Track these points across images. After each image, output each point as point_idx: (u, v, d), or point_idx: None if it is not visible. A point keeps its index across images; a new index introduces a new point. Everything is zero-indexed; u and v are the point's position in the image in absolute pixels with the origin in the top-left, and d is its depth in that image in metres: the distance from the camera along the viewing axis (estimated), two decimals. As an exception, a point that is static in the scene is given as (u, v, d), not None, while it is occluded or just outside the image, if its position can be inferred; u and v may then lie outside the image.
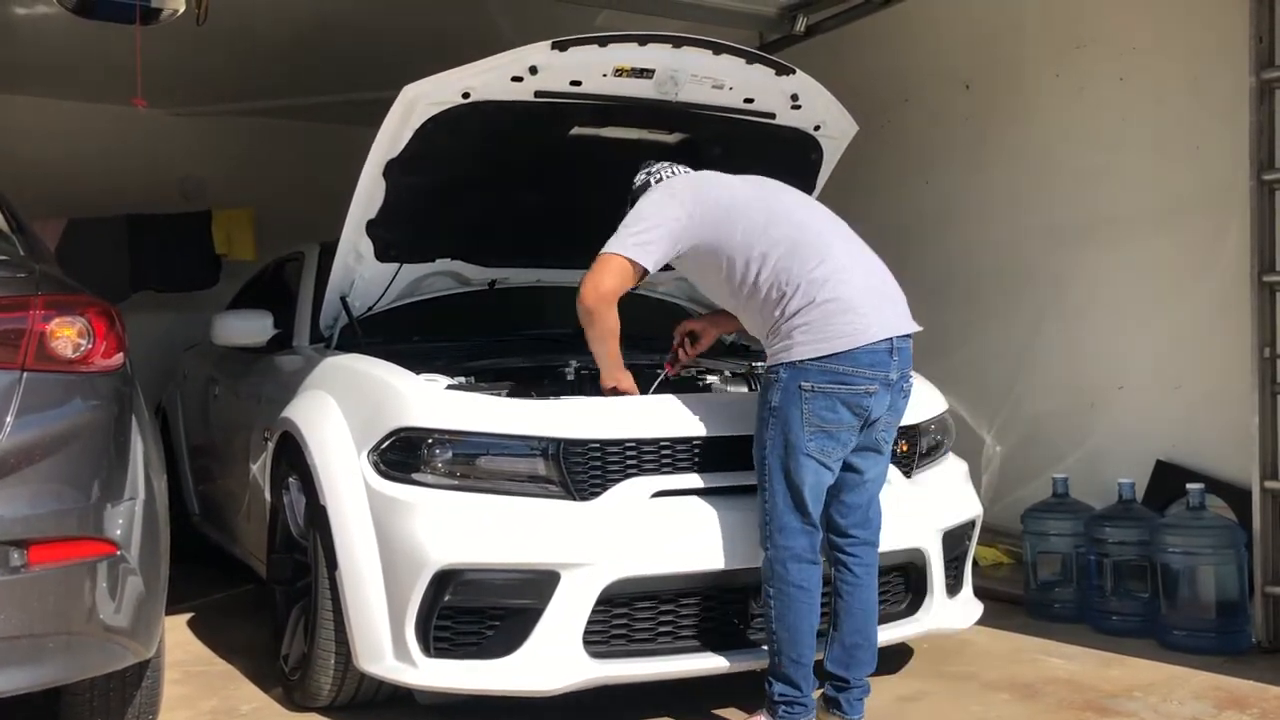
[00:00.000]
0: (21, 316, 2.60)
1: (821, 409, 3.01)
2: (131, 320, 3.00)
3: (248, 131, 7.83)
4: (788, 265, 3.09)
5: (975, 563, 4.12)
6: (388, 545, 3.14)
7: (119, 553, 2.63)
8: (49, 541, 2.53)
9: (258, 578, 4.44)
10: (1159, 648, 4.05)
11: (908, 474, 3.63)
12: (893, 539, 3.31)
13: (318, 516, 3.35)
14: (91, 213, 7.08)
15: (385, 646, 3.12)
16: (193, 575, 4.84)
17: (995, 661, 3.94)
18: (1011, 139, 5.39)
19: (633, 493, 3.19)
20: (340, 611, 3.24)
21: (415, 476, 3.17)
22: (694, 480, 3.28)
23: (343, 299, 4.07)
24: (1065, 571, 4.53)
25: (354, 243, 3.86)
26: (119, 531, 2.65)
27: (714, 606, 3.26)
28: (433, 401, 3.25)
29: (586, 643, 3.08)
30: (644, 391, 3.43)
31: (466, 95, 3.49)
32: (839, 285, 3.05)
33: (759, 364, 3.95)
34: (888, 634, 3.38)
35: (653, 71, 3.56)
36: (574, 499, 3.16)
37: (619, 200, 3.60)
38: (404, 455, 3.20)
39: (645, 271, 3.20)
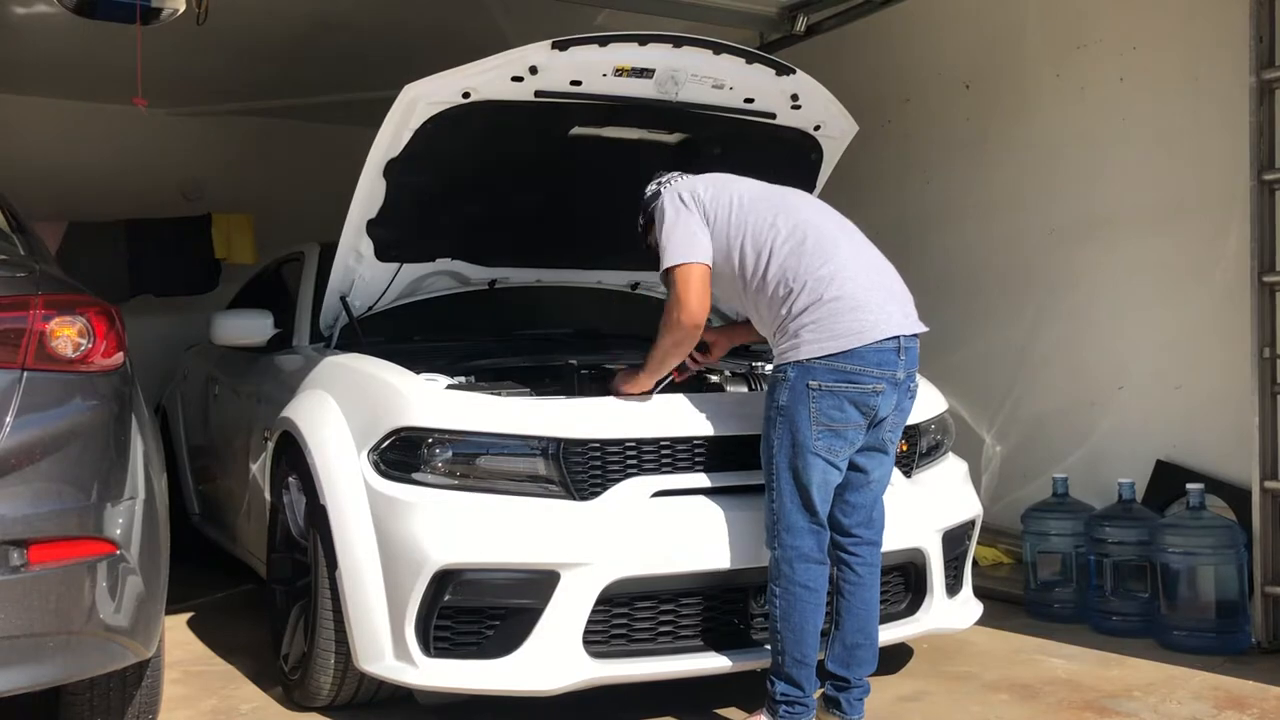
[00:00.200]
0: (21, 316, 2.60)
1: (829, 408, 3.01)
2: (132, 320, 3.00)
3: (248, 131, 7.84)
4: (795, 263, 3.10)
5: (975, 563, 4.12)
6: (388, 545, 3.14)
7: (119, 552, 2.63)
8: (49, 541, 2.53)
9: (258, 577, 4.44)
10: (1159, 648, 4.06)
11: (908, 474, 3.64)
12: (892, 539, 3.31)
13: (318, 516, 3.35)
14: (91, 212, 7.08)
15: (385, 646, 3.13)
16: (193, 575, 4.85)
17: (995, 661, 3.94)
18: (1012, 139, 5.39)
19: (633, 492, 3.19)
20: (340, 611, 3.24)
21: (415, 476, 3.17)
22: (694, 480, 3.28)
23: (343, 299, 4.07)
24: (1065, 571, 4.54)
25: (354, 242, 3.86)
26: (119, 531, 2.65)
27: (714, 606, 3.26)
28: (433, 401, 3.25)
29: (586, 643, 3.08)
30: (651, 393, 3.43)
31: (467, 95, 3.49)
32: (845, 283, 3.06)
33: (759, 364, 3.95)
34: (888, 634, 3.38)
35: (653, 71, 3.56)
36: (574, 499, 3.16)
37: (619, 200, 3.61)
38: (404, 455, 3.20)
39: (709, 267, 3.20)
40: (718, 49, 3.58)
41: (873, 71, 5.92)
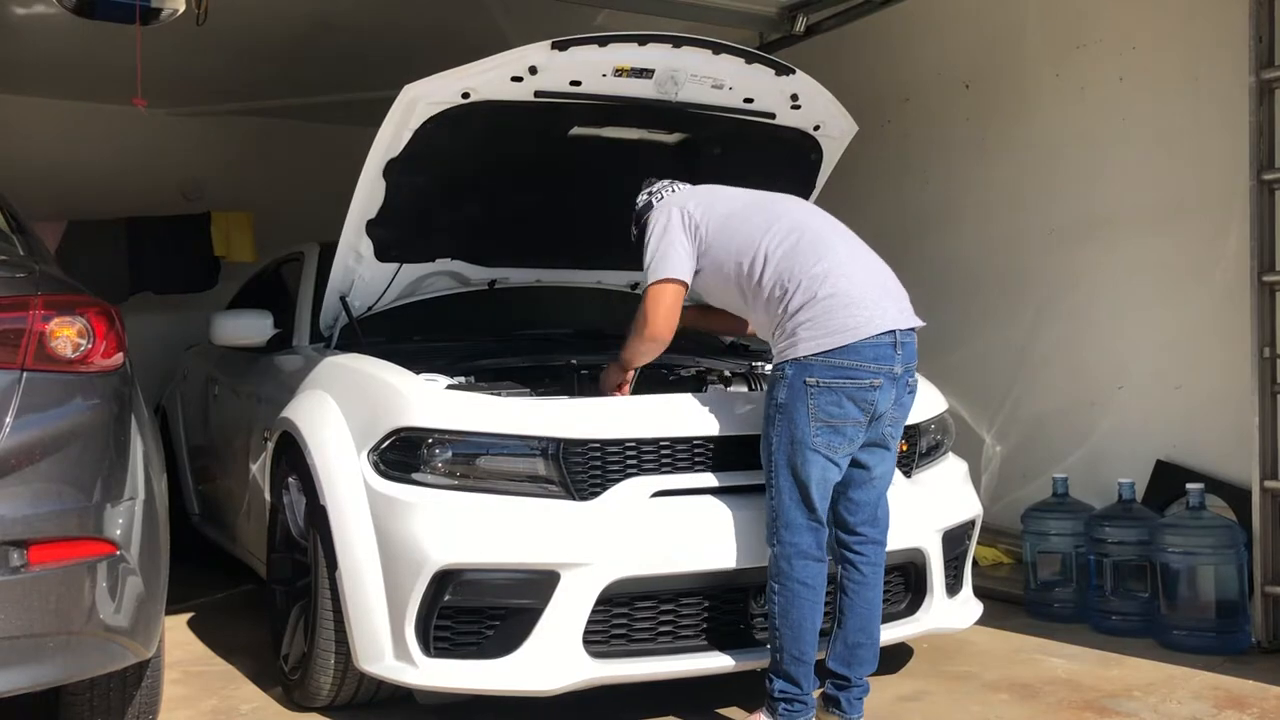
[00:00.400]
0: (21, 316, 2.60)
1: (828, 404, 3.02)
2: (131, 320, 3.00)
3: (248, 131, 7.84)
4: (789, 264, 3.11)
5: (975, 562, 4.12)
6: (388, 545, 3.14)
7: (119, 553, 2.63)
8: (49, 541, 2.53)
9: (257, 578, 4.44)
10: (1159, 648, 4.06)
11: (907, 474, 3.63)
12: (893, 539, 3.31)
13: (317, 516, 3.35)
14: (91, 212, 7.09)
15: (385, 646, 3.13)
16: (193, 575, 4.85)
17: (995, 661, 3.94)
18: (1011, 139, 5.38)
19: (632, 492, 3.19)
20: (340, 611, 3.24)
21: (415, 476, 3.17)
22: (694, 480, 3.28)
23: (342, 299, 4.07)
24: (1065, 571, 4.54)
25: (354, 243, 3.86)
26: (119, 531, 2.65)
27: (714, 606, 3.25)
28: (433, 401, 3.25)
29: (586, 642, 3.08)
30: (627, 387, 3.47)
31: (466, 95, 3.49)
32: (840, 280, 3.07)
33: (759, 363, 3.95)
34: (888, 634, 3.38)
35: (653, 71, 3.56)
36: (574, 499, 3.16)
37: (619, 200, 3.61)
38: (404, 455, 3.20)
39: (686, 285, 3.28)
40: (717, 49, 3.58)
41: (872, 71, 5.92)
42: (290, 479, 3.67)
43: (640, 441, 3.24)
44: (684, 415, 3.33)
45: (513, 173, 3.91)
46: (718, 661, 3.22)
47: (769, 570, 3.10)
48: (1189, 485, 4.15)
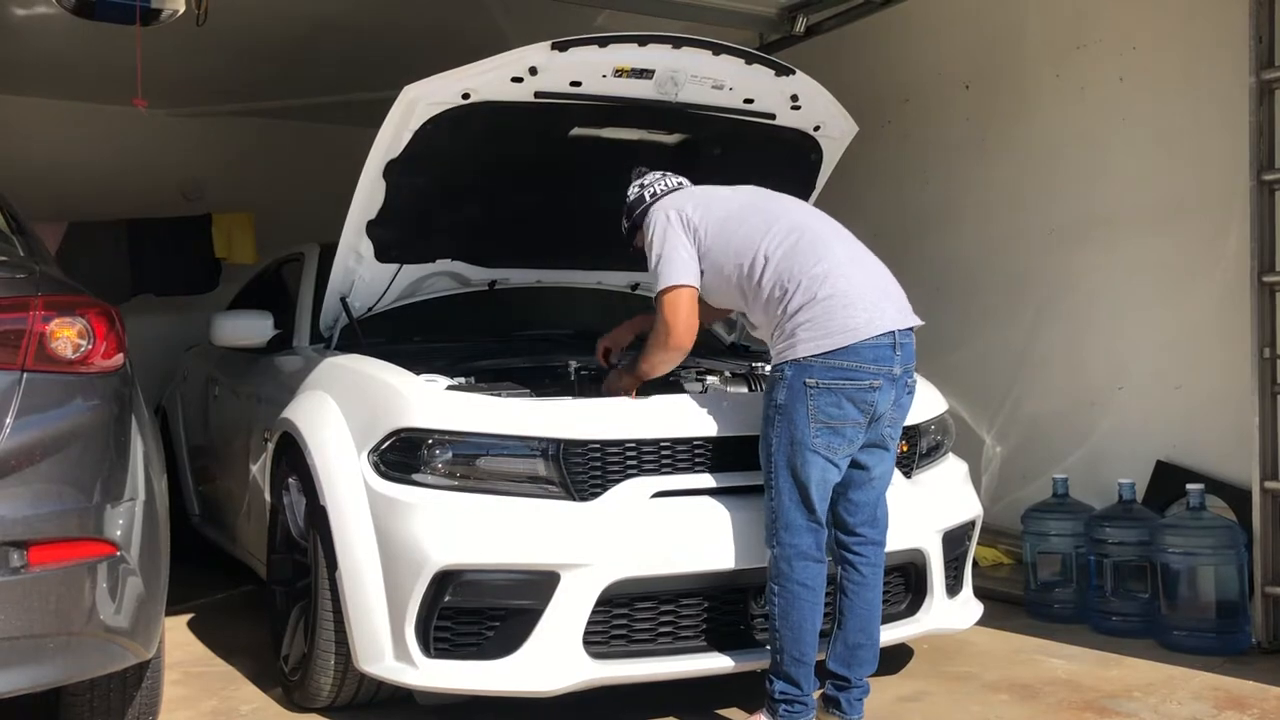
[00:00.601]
0: (21, 317, 2.60)
1: (827, 405, 3.02)
2: (132, 321, 3.00)
3: (248, 132, 7.84)
4: (788, 265, 3.11)
5: (975, 563, 4.12)
6: (388, 546, 3.14)
7: (119, 553, 2.63)
8: (49, 542, 2.53)
9: (258, 578, 4.44)
10: (1159, 648, 4.06)
11: (908, 474, 3.63)
12: (893, 539, 3.31)
13: (318, 517, 3.35)
14: (92, 213, 7.09)
15: (385, 647, 3.13)
16: (193, 576, 4.85)
17: (995, 662, 3.94)
18: (1011, 139, 5.38)
19: (633, 493, 3.19)
20: (340, 612, 3.24)
21: (415, 477, 3.17)
22: (694, 480, 3.28)
23: (343, 299, 4.07)
24: (1065, 572, 4.54)
25: (354, 243, 3.86)
26: (119, 532, 2.65)
27: (714, 607, 3.26)
28: (433, 402, 3.25)
29: (586, 643, 3.08)
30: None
31: (466, 96, 3.49)
32: (839, 280, 3.07)
33: (759, 364, 3.95)
34: (888, 634, 3.38)
35: (653, 72, 3.56)
36: (574, 499, 3.16)
37: (619, 201, 3.60)
38: (404, 456, 3.20)
39: (697, 288, 3.27)
40: (717, 50, 3.58)
41: (872, 72, 5.92)
42: (290, 480, 3.67)
43: (640, 442, 3.24)
44: (684, 416, 3.33)
45: (513, 173, 3.92)
46: (718, 662, 3.22)
47: (769, 571, 3.10)
48: (1189, 486, 4.15)
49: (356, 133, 4.60)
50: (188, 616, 4.73)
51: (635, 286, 4.76)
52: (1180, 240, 4.69)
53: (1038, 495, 4.81)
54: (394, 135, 3.55)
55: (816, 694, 3.15)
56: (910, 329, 3.16)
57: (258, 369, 4.52)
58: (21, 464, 2.51)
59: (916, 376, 3.24)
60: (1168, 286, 4.75)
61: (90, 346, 2.68)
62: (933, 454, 3.83)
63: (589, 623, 3.07)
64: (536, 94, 3.54)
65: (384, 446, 3.23)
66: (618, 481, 3.20)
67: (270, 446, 3.88)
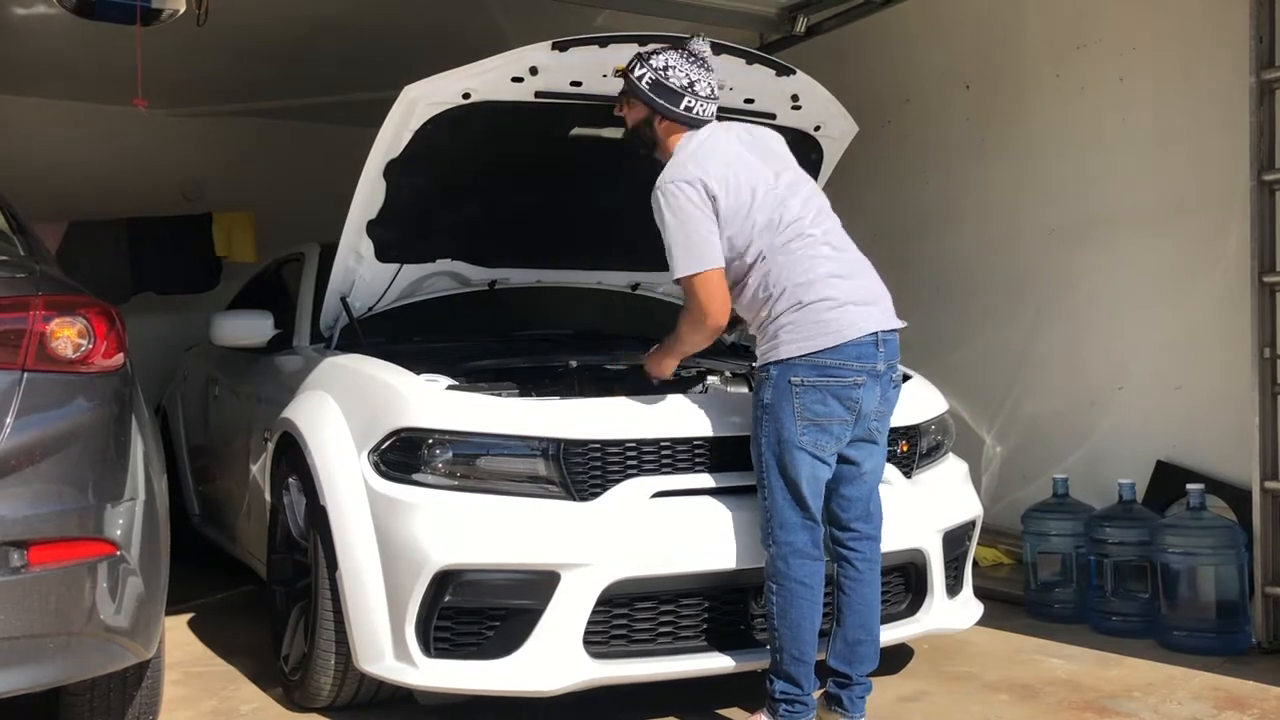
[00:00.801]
0: (22, 317, 2.60)
1: (812, 402, 3.03)
2: (132, 321, 3.00)
3: (248, 132, 7.84)
4: (777, 271, 3.12)
5: (975, 563, 4.12)
6: (388, 546, 3.14)
7: (119, 553, 2.63)
8: (49, 542, 2.53)
9: (258, 578, 4.44)
10: (1159, 648, 4.06)
11: (908, 474, 3.63)
12: (893, 539, 3.31)
13: (318, 517, 3.35)
14: (92, 213, 7.09)
15: (385, 647, 3.13)
16: (193, 576, 4.85)
17: (995, 662, 3.94)
18: (1011, 139, 5.38)
19: (633, 493, 3.19)
20: (340, 612, 3.24)
21: (415, 477, 3.17)
22: (694, 480, 3.28)
23: (343, 299, 4.07)
24: (1065, 572, 4.54)
25: (354, 243, 3.86)
26: (119, 532, 2.65)
27: (714, 607, 3.26)
28: (433, 402, 3.25)
29: (586, 643, 3.08)
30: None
31: (467, 96, 3.49)
32: (824, 288, 3.08)
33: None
34: (888, 634, 3.38)
35: (653, 72, 3.55)
36: (574, 499, 3.17)
37: (619, 201, 3.60)
38: (404, 456, 3.20)
39: (723, 270, 3.19)
40: (718, 49, 3.57)
41: (872, 72, 5.92)
42: (290, 479, 3.67)
43: (640, 442, 3.24)
44: (684, 416, 3.33)
45: (513, 173, 3.92)
46: (718, 662, 3.22)
47: (766, 570, 3.10)
48: (1189, 486, 4.15)
49: (356, 133, 4.60)
50: (188, 616, 4.73)
51: (635, 286, 4.76)
52: (1180, 240, 4.69)
53: (1038, 495, 4.81)
54: (394, 135, 3.55)
55: (818, 693, 3.15)
56: (894, 329, 3.17)
57: (258, 369, 4.52)
58: (22, 464, 2.51)
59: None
60: (1168, 286, 4.75)
61: (90, 346, 2.68)
62: (933, 454, 3.83)
63: (589, 623, 3.07)
64: (537, 94, 3.54)
65: (384, 446, 3.23)
66: (618, 481, 3.20)
67: (270, 446, 3.88)
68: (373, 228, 3.82)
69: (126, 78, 5.07)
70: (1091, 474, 4.85)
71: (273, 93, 7.34)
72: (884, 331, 3.12)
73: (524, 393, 3.47)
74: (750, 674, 3.25)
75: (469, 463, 3.17)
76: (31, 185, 5.56)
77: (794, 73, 3.77)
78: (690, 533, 3.19)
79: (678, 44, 3.33)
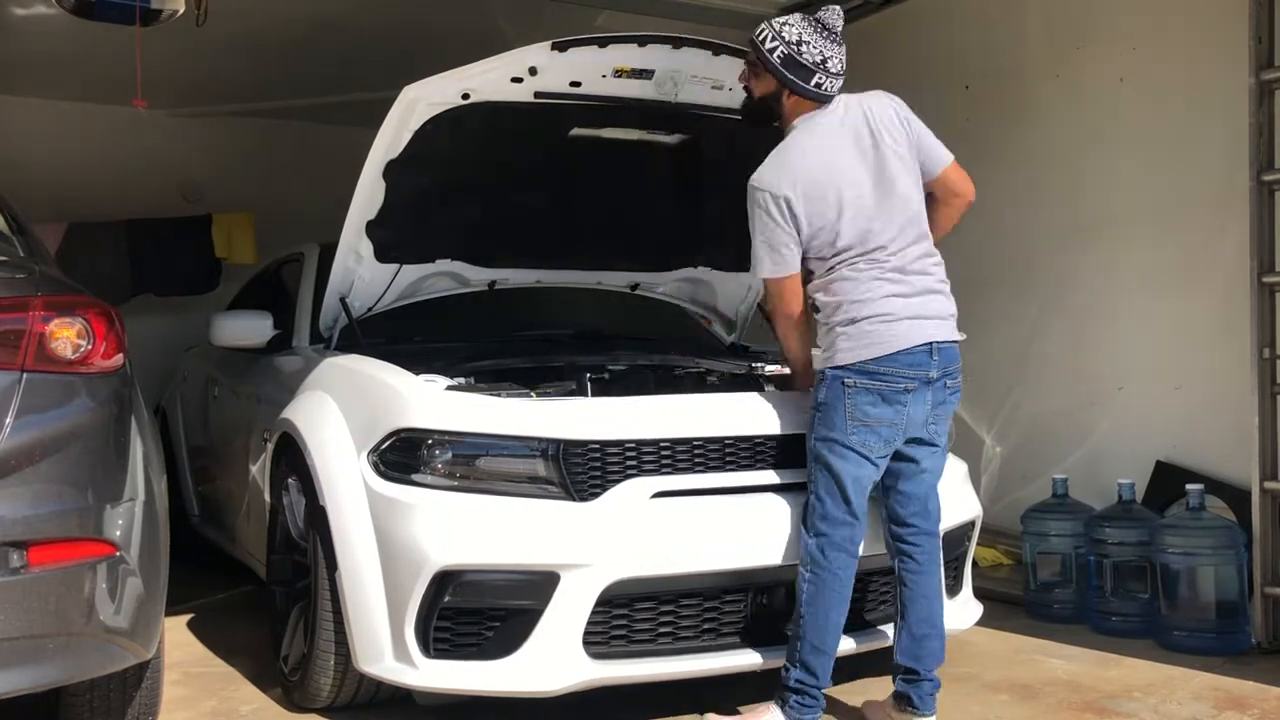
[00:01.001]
0: (21, 317, 2.60)
1: (864, 404, 3.09)
2: (131, 321, 3.00)
3: (248, 132, 7.83)
4: (841, 285, 3.15)
5: (975, 563, 4.12)
6: (387, 546, 3.14)
7: (119, 554, 2.63)
8: (49, 542, 2.53)
9: (257, 579, 4.44)
10: (1158, 648, 4.06)
11: (907, 474, 3.63)
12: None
13: (317, 517, 3.35)
14: (91, 214, 7.08)
15: (385, 647, 3.12)
16: (192, 576, 4.85)
17: (995, 662, 3.94)
18: (1011, 139, 5.38)
19: (632, 493, 3.19)
20: (340, 612, 3.24)
21: (415, 477, 3.17)
22: (694, 481, 3.28)
23: (342, 300, 4.07)
24: (1065, 572, 4.54)
25: (354, 243, 3.87)
26: (119, 532, 2.65)
27: (714, 607, 3.25)
28: (433, 402, 3.25)
29: (586, 643, 3.08)
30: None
31: (466, 96, 3.50)
32: (880, 306, 3.12)
33: (759, 364, 3.96)
34: (888, 634, 3.38)
35: (652, 72, 3.57)
36: (574, 500, 3.16)
37: (618, 201, 3.60)
38: (404, 456, 3.20)
39: (799, 275, 3.25)
40: (717, 50, 3.58)
41: (872, 72, 5.86)
42: (290, 480, 3.67)
43: (640, 442, 3.24)
44: (684, 416, 3.33)
45: (512, 174, 3.92)
46: (718, 662, 3.22)
47: (801, 559, 3.14)
48: (1189, 486, 4.15)
49: (356, 133, 4.60)
50: (187, 617, 4.72)
51: (635, 286, 4.76)
52: (1180, 240, 4.69)
53: (1037, 495, 4.81)
54: (394, 135, 3.55)
55: (884, 696, 3.21)
56: (952, 341, 3.20)
57: (257, 369, 4.52)
58: (21, 464, 2.51)
59: (960, 379, 3.24)
60: (1168, 287, 4.75)
61: (90, 347, 2.68)
62: (933, 454, 3.83)
63: (589, 623, 3.07)
64: (536, 94, 3.55)
65: (384, 447, 3.23)
66: (617, 482, 3.20)
67: (270, 447, 3.88)
68: (372, 228, 3.82)
69: (126, 78, 5.07)
70: (1091, 474, 4.85)
71: (272, 93, 7.34)
72: (939, 342, 3.15)
73: (523, 393, 3.46)
74: (751, 674, 3.25)
75: (468, 463, 3.17)
76: (31, 186, 5.57)
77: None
78: (690, 533, 3.19)
79: (809, 13, 3.26)
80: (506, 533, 3.09)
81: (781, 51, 3.19)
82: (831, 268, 3.18)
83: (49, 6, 5.41)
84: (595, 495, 3.18)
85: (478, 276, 4.31)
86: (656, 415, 3.32)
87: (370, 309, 4.18)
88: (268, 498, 3.92)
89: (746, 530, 3.20)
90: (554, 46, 3.41)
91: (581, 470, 3.18)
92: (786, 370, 3.72)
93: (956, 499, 3.78)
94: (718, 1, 5.80)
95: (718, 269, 4.56)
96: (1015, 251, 5.36)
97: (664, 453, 3.27)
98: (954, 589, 3.72)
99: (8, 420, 2.53)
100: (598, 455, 3.20)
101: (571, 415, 3.24)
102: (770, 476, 3.32)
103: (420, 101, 3.48)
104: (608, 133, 3.81)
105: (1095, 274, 5.03)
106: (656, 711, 3.40)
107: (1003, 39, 5.43)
